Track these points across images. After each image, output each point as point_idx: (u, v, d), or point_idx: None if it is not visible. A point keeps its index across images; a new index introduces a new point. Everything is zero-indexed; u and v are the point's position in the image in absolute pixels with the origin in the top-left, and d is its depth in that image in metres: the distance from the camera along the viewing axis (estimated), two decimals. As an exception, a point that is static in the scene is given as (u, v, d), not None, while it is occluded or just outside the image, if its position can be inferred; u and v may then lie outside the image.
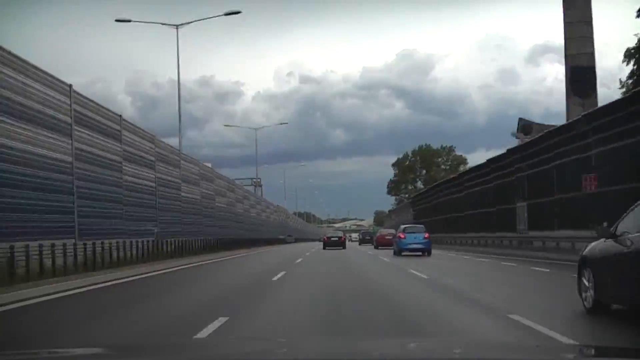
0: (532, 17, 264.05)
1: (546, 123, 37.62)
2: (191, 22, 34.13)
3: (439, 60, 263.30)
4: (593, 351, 3.45)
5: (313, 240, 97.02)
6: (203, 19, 35.35)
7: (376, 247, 40.37)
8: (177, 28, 33.14)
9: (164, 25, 33.69)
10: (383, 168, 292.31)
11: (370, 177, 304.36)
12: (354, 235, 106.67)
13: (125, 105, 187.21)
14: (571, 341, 6.24)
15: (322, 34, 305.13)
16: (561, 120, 31.59)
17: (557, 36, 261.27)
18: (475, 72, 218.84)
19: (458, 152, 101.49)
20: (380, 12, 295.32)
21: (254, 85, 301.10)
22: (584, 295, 8.17)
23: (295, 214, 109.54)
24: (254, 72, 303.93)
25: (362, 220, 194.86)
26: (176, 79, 34.85)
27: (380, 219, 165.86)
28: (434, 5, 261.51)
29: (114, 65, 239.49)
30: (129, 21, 32.82)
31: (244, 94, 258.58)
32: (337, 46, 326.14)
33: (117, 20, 32.61)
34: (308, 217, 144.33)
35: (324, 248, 41.79)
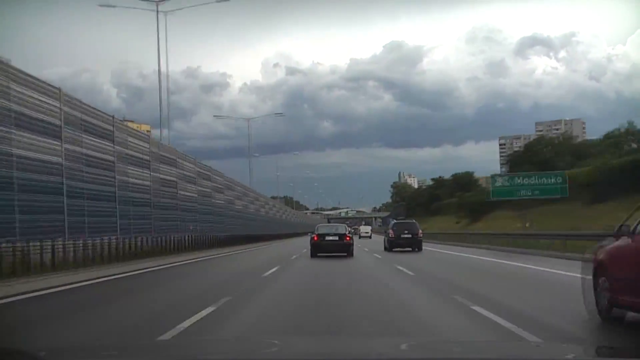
0: (520, 9, 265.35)
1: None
2: (182, 8, 33.83)
3: (427, 52, 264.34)
4: (593, 351, 3.46)
5: (291, 235, 70.93)
6: (193, 6, 35.14)
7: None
8: (164, 14, 32.70)
9: (151, 12, 33.22)
10: (372, 160, 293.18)
11: (360, 169, 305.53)
12: (364, 230, 69.70)
13: (111, 96, 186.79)
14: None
15: (308, 25, 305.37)
16: (555, 112, 28.77)
17: (544, 28, 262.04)
18: (463, 64, 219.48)
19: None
20: (367, 3, 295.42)
21: (241, 76, 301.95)
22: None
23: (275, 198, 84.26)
24: (240, 63, 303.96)
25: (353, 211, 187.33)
26: (163, 70, 34.82)
27: (405, 193, 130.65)
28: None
29: (100, 55, 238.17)
30: (114, 7, 32.49)
31: (230, 85, 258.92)
32: (323, 38, 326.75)
33: (101, 5, 32.25)
34: (289, 203, 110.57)
35: (312, 255, 24.41)
